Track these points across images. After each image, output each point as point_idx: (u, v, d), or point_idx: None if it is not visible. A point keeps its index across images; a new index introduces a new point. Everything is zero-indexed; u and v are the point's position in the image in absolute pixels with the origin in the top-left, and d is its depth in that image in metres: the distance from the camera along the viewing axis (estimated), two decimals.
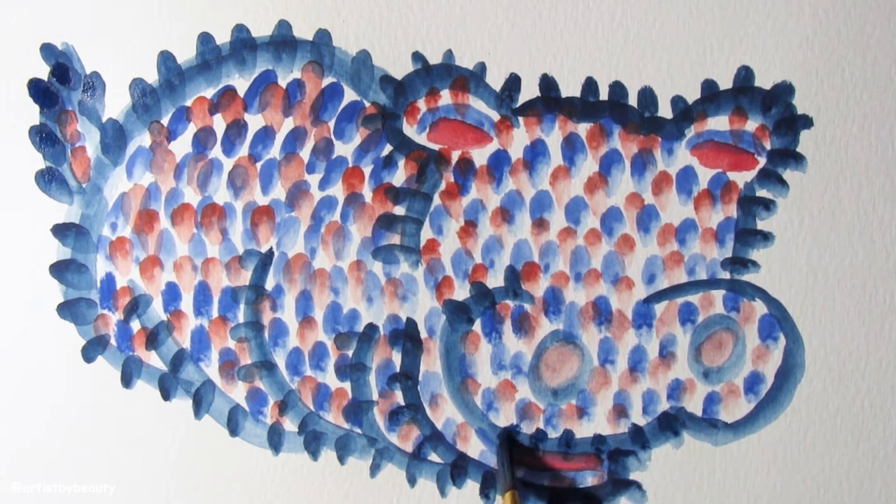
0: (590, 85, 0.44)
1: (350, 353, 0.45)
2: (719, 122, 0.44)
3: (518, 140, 0.44)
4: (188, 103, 0.44)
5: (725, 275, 0.44)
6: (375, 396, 0.45)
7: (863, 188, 0.44)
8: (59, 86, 0.44)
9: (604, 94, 0.44)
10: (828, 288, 0.44)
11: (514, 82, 0.44)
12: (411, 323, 0.45)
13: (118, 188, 0.45)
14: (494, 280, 0.44)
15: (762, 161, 0.44)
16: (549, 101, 0.44)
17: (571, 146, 0.44)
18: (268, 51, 0.44)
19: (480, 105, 0.44)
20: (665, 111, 0.44)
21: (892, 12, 0.43)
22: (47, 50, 0.44)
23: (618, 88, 0.44)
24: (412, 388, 0.45)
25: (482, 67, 0.44)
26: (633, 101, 0.44)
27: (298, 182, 0.44)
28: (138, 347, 0.45)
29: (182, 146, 0.45)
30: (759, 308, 0.44)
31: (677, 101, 0.44)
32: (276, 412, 0.45)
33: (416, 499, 0.45)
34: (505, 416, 0.45)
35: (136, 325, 0.45)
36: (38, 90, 0.45)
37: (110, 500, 0.46)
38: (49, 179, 0.45)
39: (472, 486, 0.45)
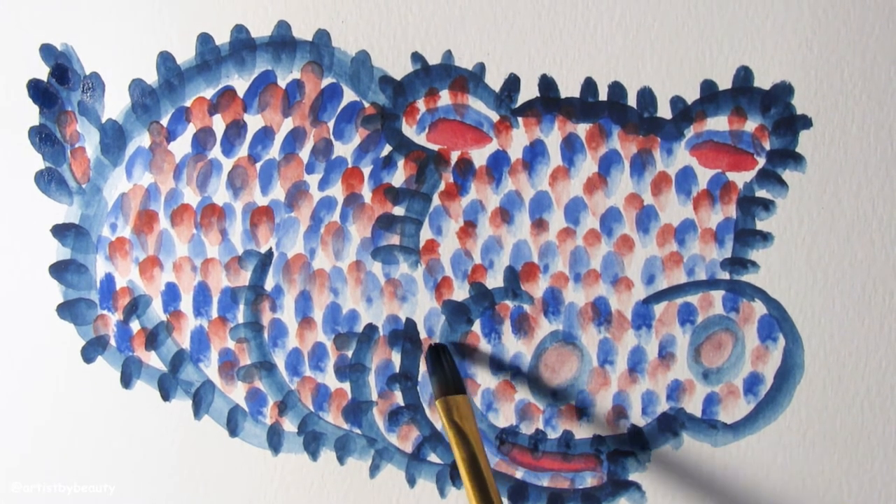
0: (589, 85, 0.44)
1: (349, 353, 0.45)
2: (718, 123, 0.44)
3: (517, 140, 0.44)
4: (187, 104, 0.44)
5: (725, 275, 0.44)
6: (375, 397, 0.45)
7: (862, 188, 0.44)
8: (59, 86, 0.45)
9: (603, 95, 0.44)
10: (827, 288, 0.44)
11: (513, 83, 0.44)
12: (411, 323, 0.45)
13: (118, 189, 0.45)
14: (494, 280, 0.44)
15: (761, 161, 0.44)
16: (549, 102, 0.44)
17: (571, 147, 0.44)
18: (267, 51, 0.44)
19: (480, 105, 0.44)
20: (664, 111, 0.44)
21: (892, 12, 0.43)
22: (47, 50, 0.44)
23: (617, 89, 0.44)
24: (412, 388, 0.45)
25: (481, 68, 0.44)
26: (632, 101, 0.44)
27: (298, 182, 0.44)
28: (138, 348, 0.45)
29: (181, 147, 0.45)
30: (759, 308, 0.44)
31: (676, 102, 0.44)
32: (276, 412, 0.45)
33: (415, 499, 0.45)
34: (504, 417, 0.45)
35: (135, 326, 0.45)
36: (37, 91, 0.45)
37: (110, 500, 0.46)
38: (48, 180, 0.45)
39: None
